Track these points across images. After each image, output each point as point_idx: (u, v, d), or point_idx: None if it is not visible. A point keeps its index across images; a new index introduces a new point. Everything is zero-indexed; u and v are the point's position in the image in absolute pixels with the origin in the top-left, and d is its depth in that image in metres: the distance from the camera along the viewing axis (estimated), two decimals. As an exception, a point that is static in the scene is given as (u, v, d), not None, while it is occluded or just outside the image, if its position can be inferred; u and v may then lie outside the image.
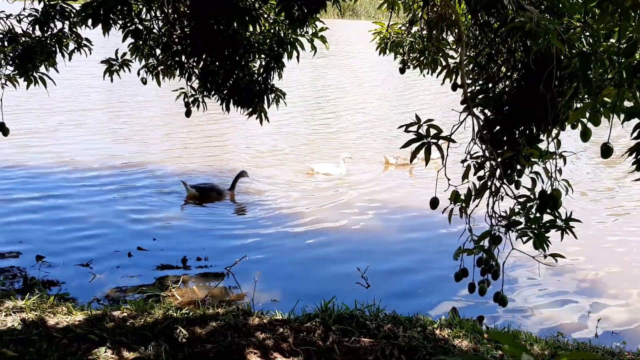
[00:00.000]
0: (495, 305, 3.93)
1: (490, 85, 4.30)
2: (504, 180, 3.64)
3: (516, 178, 3.91)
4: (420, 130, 3.60)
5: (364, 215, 9.93)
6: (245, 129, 14.80)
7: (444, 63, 5.04)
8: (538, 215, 3.41)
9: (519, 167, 3.88)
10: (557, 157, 3.33)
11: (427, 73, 5.14)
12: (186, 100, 5.37)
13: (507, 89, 3.85)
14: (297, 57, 4.79)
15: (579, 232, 3.46)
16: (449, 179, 3.57)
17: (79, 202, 9.60)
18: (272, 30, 4.72)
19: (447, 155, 3.61)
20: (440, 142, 3.60)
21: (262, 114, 4.96)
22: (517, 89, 3.72)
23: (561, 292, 7.32)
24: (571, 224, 3.46)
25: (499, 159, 3.73)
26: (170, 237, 8.59)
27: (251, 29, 4.84)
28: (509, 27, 2.94)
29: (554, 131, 3.35)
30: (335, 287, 6.87)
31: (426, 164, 3.73)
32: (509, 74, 3.78)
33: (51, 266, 7.18)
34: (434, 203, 3.69)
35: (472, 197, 3.79)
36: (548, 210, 3.36)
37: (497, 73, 3.82)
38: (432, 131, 3.60)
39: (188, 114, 5.49)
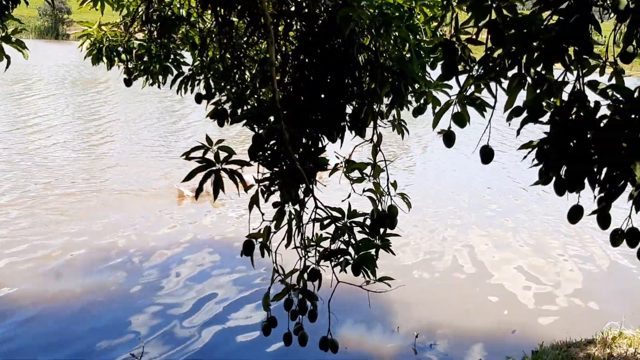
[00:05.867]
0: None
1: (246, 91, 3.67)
2: (305, 202, 3.03)
3: (303, 197, 3.34)
4: (208, 155, 2.72)
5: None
6: None
7: (175, 71, 4.15)
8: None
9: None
10: (374, 167, 2.88)
11: (155, 84, 4.16)
12: None
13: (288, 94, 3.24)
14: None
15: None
16: (263, 214, 2.78)
17: None
18: None
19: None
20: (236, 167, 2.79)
21: None
22: (304, 92, 3.14)
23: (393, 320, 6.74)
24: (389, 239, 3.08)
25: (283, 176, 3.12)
26: None
27: None
28: (344, 12, 2.31)
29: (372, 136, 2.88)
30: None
31: (215, 197, 2.84)
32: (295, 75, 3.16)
33: None
34: (248, 247, 2.84)
35: (273, 230, 3.06)
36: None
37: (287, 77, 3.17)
38: (223, 154, 2.76)
39: None
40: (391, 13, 2.37)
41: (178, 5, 3.82)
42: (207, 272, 8.03)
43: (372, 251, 3.01)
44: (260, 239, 3.00)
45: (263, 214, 2.83)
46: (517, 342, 6.30)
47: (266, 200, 3.15)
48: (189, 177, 2.73)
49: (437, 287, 7.93)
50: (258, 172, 2.80)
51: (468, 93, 2.27)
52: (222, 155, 2.75)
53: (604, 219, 2.01)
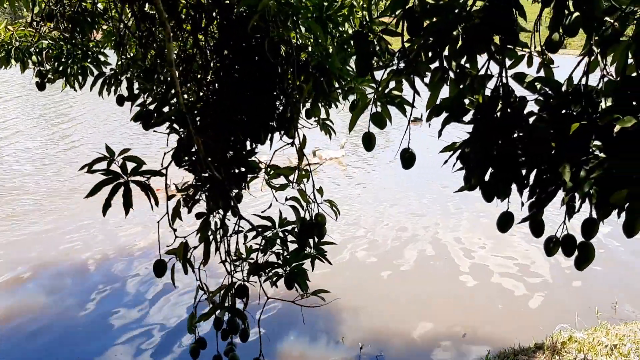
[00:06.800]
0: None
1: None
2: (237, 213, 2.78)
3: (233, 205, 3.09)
4: (113, 167, 2.45)
5: None
6: None
7: (95, 71, 3.84)
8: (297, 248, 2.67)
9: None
10: (302, 171, 2.64)
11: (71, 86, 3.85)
12: None
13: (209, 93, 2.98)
14: None
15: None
16: (175, 230, 2.52)
17: None
18: None
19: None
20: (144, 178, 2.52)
21: None
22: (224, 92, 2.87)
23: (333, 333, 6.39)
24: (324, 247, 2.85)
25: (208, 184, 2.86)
26: None
27: None
28: (245, 3, 2.05)
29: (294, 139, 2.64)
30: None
31: (127, 213, 2.56)
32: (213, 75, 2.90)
33: None
34: (159, 268, 2.58)
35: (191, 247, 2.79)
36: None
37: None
38: (131, 165, 2.49)
39: None
40: (302, 2, 2.12)
41: (95, 0, 3.51)
42: (167, 289, 7.53)
43: (307, 262, 2.78)
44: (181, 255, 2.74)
45: (175, 230, 2.56)
46: (468, 346, 6.09)
47: (189, 211, 2.89)
48: (92, 192, 2.45)
49: (386, 290, 7.59)
50: (166, 182, 2.52)
51: (388, 90, 2.04)
52: (130, 166, 2.49)
53: (536, 227, 1.81)
